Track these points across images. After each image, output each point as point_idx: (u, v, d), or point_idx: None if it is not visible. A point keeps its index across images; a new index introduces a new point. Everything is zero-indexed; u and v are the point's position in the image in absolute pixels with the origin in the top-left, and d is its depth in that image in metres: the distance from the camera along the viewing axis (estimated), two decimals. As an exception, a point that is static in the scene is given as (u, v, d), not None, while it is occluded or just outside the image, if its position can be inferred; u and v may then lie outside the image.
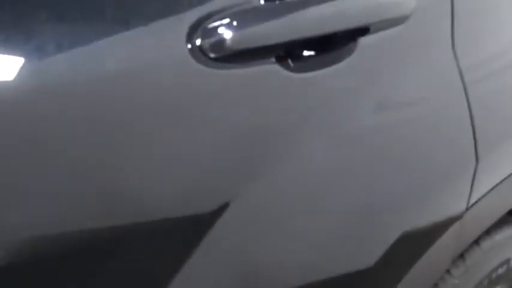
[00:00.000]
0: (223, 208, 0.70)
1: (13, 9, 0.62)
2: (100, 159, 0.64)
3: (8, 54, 0.60)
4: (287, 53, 0.72)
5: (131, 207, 0.66)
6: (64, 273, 0.65)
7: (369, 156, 0.81)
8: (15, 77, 0.60)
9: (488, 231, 1.04)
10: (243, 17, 0.68)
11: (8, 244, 0.62)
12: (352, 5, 0.75)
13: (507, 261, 1.06)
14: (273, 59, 0.71)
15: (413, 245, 0.87)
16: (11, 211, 0.62)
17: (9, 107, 0.60)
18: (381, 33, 0.78)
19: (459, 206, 0.91)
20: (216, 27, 0.67)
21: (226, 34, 0.67)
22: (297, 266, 0.78)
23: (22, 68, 0.60)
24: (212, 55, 0.67)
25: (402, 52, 0.82)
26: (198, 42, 0.66)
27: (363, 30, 0.77)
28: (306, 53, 0.73)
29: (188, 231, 0.69)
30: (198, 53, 0.66)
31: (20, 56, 0.60)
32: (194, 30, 0.66)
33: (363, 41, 0.76)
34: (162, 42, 0.65)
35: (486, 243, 1.03)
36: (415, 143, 0.86)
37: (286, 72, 0.71)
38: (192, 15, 0.66)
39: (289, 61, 0.71)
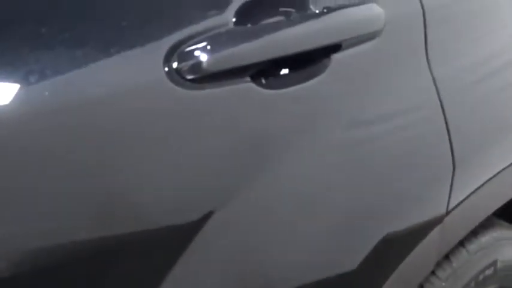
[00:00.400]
0: (208, 215, 0.77)
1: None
2: (90, 175, 0.71)
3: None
4: (261, 71, 0.79)
5: (123, 217, 0.73)
6: (59, 282, 0.72)
7: (347, 165, 0.87)
8: (10, 103, 0.67)
9: (475, 233, 1.10)
10: (218, 40, 0.75)
11: (9, 255, 0.68)
12: (321, 24, 0.82)
13: (494, 262, 1.12)
14: (248, 78, 0.77)
15: (395, 247, 0.94)
16: (12, 223, 0.68)
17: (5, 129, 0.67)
18: (354, 49, 0.84)
19: (439, 211, 0.98)
20: (192, 51, 0.74)
21: (202, 57, 0.74)
22: (281, 271, 0.85)
23: (17, 94, 0.67)
24: (189, 77, 0.74)
25: (376, 66, 0.89)
26: (175, 65, 0.73)
27: (336, 47, 0.84)
28: (280, 70, 0.80)
29: (180, 237, 0.76)
30: (175, 76, 0.73)
31: (12, 83, 0.67)
32: (171, 54, 0.73)
33: (336, 57, 0.83)
34: (140, 67, 0.72)
35: (472, 246, 1.10)
36: (393, 152, 0.92)
37: (260, 90, 0.78)
38: (169, 40, 0.73)
39: (263, 79, 0.78)
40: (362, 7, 0.86)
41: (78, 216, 0.70)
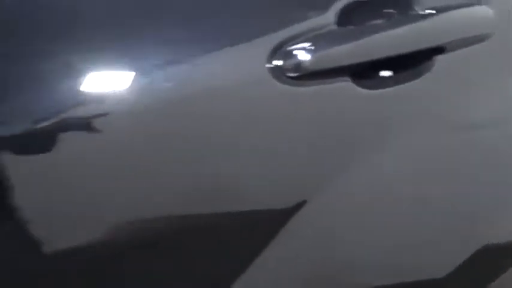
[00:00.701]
0: (300, 205, 0.82)
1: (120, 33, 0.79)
2: (198, 162, 0.79)
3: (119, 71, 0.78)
4: (361, 71, 0.83)
5: (225, 200, 0.80)
6: (153, 255, 0.80)
7: (445, 167, 0.89)
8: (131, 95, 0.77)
9: None
10: (320, 41, 0.81)
11: (129, 225, 0.77)
12: (424, 27, 0.85)
13: None
14: (347, 77, 0.82)
15: (491, 261, 0.94)
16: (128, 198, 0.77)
17: (127, 118, 0.76)
18: (459, 52, 0.86)
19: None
20: (296, 50, 0.80)
21: (305, 56, 0.80)
22: (366, 268, 0.88)
23: (138, 87, 0.77)
24: (291, 74, 0.80)
25: (483, 69, 0.90)
26: (279, 63, 0.80)
27: (439, 49, 0.86)
28: (380, 70, 0.84)
29: (266, 226, 0.82)
30: (278, 73, 0.80)
31: (133, 77, 0.77)
32: (275, 52, 0.80)
33: (439, 58, 0.85)
34: (245, 63, 0.80)
35: None
36: (497, 158, 0.92)
37: (358, 89, 0.83)
38: (274, 39, 0.80)
39: (362, 79, 0.83)
40: (469, 9, 0.88)
41: (187, 194, 0.79)
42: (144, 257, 0.80)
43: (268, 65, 0.80)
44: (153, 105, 0.77)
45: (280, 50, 0.80)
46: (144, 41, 0.78)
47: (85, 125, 0.75)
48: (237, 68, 0.80)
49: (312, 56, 0.80)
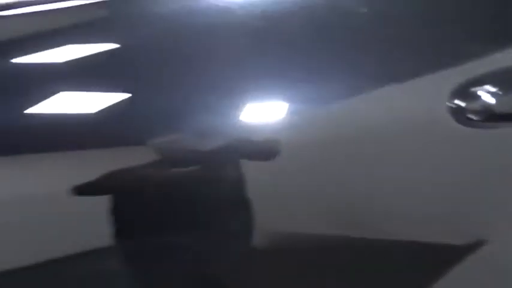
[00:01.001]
0: (477, 244, 0.81)
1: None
2: (374, 194, 0.79)
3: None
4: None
5: (394, 230, 0.80)
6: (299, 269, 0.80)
7: None
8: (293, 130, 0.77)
9: None
10: (507, 82, 0.77)
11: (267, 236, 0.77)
12: None
13: None
14: None
15: None
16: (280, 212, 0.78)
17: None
18: None
19: None
20: (481, 91, 0.77)
21: (490, 98, 0.77)
22: None
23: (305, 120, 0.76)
24: (473, 117, 0.77)
25: None
26: (461, 103, 0.77)
27: None
28: None
29: (437, 261, 0.81)
30: (458, 114, 0.77)
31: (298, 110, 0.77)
32: (457, 92, 0.77)
33: None
34: (425, 101, 0.77)
35: None
36: None
37: None
38: (456, 78, 0.77)
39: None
40: None
41: (363, 221, 0.79)
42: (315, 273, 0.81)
43: (448, 104, 0.77)
44: (332, 138, 0.77)
45: (464, 90, 0.77)
46: (322, 75, 0.78)
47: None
48: (416, 105, 0.78)
49: (499, 99, 0.77)
